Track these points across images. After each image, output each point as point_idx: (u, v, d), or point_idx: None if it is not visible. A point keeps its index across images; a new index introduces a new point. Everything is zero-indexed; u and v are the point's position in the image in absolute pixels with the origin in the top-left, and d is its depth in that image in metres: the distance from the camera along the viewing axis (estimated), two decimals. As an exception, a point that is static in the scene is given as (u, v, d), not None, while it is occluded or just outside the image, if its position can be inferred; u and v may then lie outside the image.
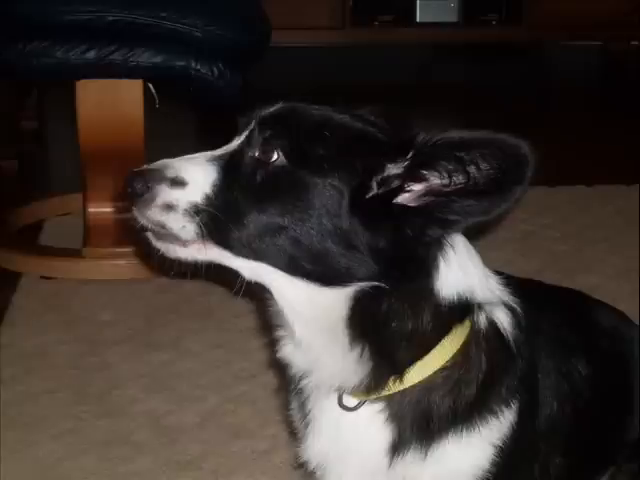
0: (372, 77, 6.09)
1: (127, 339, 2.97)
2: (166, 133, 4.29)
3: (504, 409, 1.62)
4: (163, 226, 1.55)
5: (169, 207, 1.54)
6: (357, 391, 1.59)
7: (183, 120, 5.11)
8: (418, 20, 6.22)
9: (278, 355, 1.67)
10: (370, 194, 1.52)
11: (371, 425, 1.62)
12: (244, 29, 3.23)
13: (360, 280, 1.51)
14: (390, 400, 1.60)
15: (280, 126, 1.55)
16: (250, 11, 3.35)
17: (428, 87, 6.03)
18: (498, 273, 1.71)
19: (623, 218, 3.85)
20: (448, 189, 1.48)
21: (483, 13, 6.28)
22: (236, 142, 1.60)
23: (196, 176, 1.55)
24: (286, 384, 1.79)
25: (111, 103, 3.33)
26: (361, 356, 1.55)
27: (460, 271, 1.58)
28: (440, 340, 1.57)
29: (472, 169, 1.46)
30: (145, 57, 3.14)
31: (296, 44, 6.16)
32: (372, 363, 1.55)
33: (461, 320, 1.59)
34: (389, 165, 1.51)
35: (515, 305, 1.67)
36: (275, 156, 1.52)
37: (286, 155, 1.52)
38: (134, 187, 1.56)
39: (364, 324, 1.54)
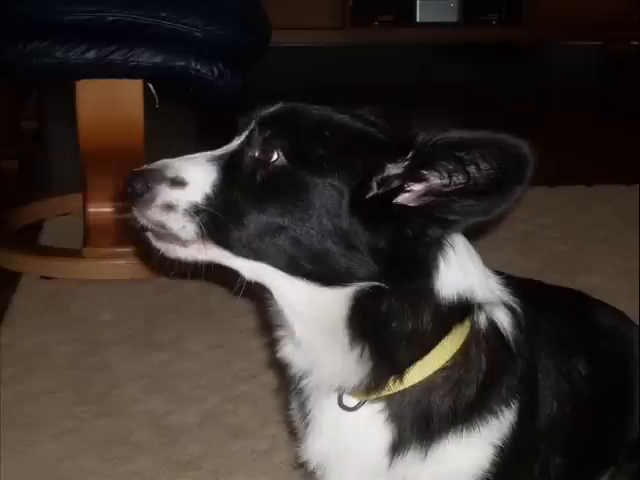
0: (372, 77, 6.09)
1: (127, 339, 2.97)
2: (166, 133, 4.29)
3: (504, 409, 1.62)
4: (163, 226, 1.55)
5: (169, 207, 1.54)
6: (357, 391, 1.59)
7: (183, 120, 5.11)
8: (418, 20, 6.22)
9: (278, 355, 1.67)
10: (370, 194, 1.52)
11: (371, 425, 1.62)
12: (244, 29, 3.23)
13: (360, 280, 1.51)
14: (390, 400, 1.60)
15: (280, 126, 1.55)
16: (250, 11, 3.35)
17: (428, 87, 6.03)
18: (498, 273, 1.71)
19: (623, 218, 3.84)
20: (448, 189, 1.48)
21: (483, 13, 6.28)
22: (236, 142, 1.60)
23: (196, 176, 1.55)
24: (286, 384, 1.79)
25: (111, 103, 3.33)
26: (361, 356, 1.55)
27: (460, 271, 1.58)
28: (440, 340, 1.57)
29: (472, 169, 1.46)
30: (145, 57, 3.14)
31: (296, 44, 6.16)
32: (372, 363, 1.55)
33: (461, 320, 1.59)
34: (389, 165, 1.51)
35: (515, 305, 1.67)
36: (275, 156, 1.53)
37: (286, 155, 1.52)
38: (134, 187, 1.56)
39: (364, 324, 1.54)
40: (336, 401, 1.63)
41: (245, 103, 1.70)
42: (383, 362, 1.56)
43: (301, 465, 1.76)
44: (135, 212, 1.57)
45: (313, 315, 1.56)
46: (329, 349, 1.56)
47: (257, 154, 1.55)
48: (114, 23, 3.10)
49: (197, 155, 1.59)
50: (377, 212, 1.51)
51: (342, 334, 1.54)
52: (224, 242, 1.55)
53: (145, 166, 1.59)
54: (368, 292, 1.52)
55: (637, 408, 1.92)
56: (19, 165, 4.52)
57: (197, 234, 1.54)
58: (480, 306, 1.61)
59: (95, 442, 2.48)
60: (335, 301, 1.53)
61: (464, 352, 1.59)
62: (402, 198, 1.51)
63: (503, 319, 1.65)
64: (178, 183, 1.55)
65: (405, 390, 1.58)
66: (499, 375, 1.62)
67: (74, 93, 3.35)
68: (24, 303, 3.18)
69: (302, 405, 1.72)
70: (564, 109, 5.62)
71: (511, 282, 1.71)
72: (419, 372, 1.57)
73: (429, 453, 1.60)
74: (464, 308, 1.59)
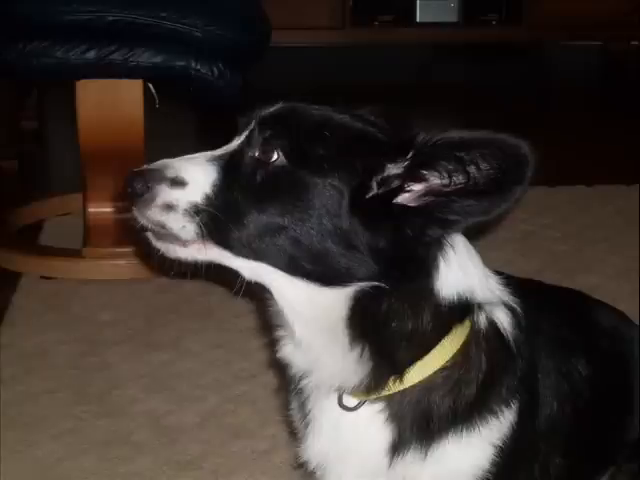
0: (372, 77, 6.09)
1: (127, 339, 2.97)
2: (166, 133, 4.29)
3: (504, 409, 1.62)
4: (163, 226, 1.55)
5: (169, 207, 1.54)
6: (357, 391, 1.59)
7: (183, 120, 5.11)
8: (418, 20, 6.22)
9: (278, 355, 1.67)
10: (370, 194, 1.52)
11: (371, 425, 1.62)
12: (244, 29, 3.23)
13: (360, 280, 1.51)
14: (390, 400, 1.60)
15: (280, 126, 1.55)
16: (250, 11, 3.35)
17: (428, 87, 6.03)
18: (498, 273, 1.71)
19: (623, 218, 3.85)
20: (448, 189, 1.48)
21: (483, 13, 6.28)
22: (236, 142, 1.60)
23: (196, 176, 1.55)
24: (286, 384, 1.79)
25: (111, 103, 3.33)
26: (361, 356, 1.55)
27: (460, 271, 1.58)
28: (440, 340, 1.57)
29: (472, 169, 1.46)
30: (145, 57, 3.14)
31: (296, 44, 6.16)
32: (372, 363, 1.55)
33: (461, 320, 1.59)
34: (389, 165, 1.51)
35: (515, 305, 1.67)
36: (275, 156, 1.53)
37: (286, 155, 1.52)
38: (134, 187, 1.56)
39: (364, 324, 1.54)
40: (336, 401, 1.63)
41: (245, 103, 1.70)
42: (383, 362, 1.56)
43: (301, 465, 1.76)
44: (135, 212, 1.57)
45: (313, 315, 1.56)
46: (329, 349, 1.56)
47: (257, 154, 1.55)
48: (114, 23, 3.10)
49: (197, 155, 1.59)
50: (377, 212, 1.51)
51: (342, 334, 1.54)
52: (224, 242, 1.55)
53: (145, 166, 1.59)
54: (368, 292, 1.52)
55: (637, 408, 1.92)
56: (19, 165, 4.52)
57: (197, 234, 1.54)
58: (480, 306, 1.61)
59: (95, 442, 2.48)
60: (335, 301, 1.53)
61: (464, 352, 1.59)
62: (402, 198, 1.51)
63: (503, 319, 1.65)
64: (178, 183, 1.55)
65: (405, 390, 1.58)
66: (499, 375, 1.62)
67: (74, 93, 3.35)
68: (24, 303, 3.18)
69: (302, 405, 1.72)
70: (564, 109, 5.62)
71: (511, 282, 1.71)
72: (419, 372, 1.57)
73: (429, 453, 1.60)
74: (464, 308, 1.59)
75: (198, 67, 3.15)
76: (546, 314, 1.77)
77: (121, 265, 3.35)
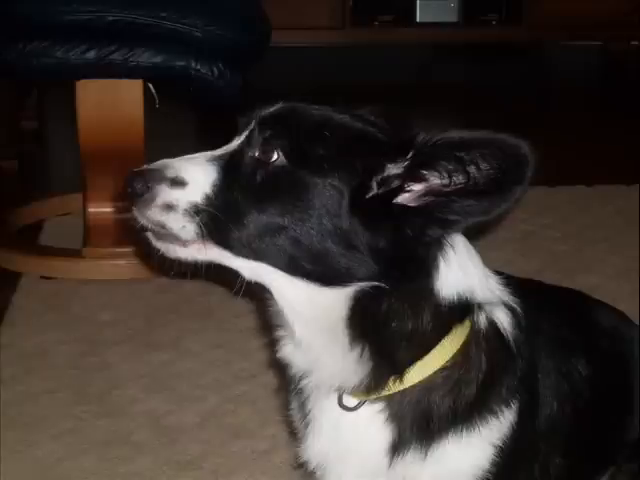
0: (372, 77, 6.09)
1: (127, 339, 2.97)
2: (166, 133, 4.29)
3: (504, 409, 1.62)
4: (163, 226, 1.55)
5: (169, 207, 1.54)
6: (357, 391, 1.59)
7: (183, 120, 5.11)
8: (418, 20, 6.22)
9: (278, 355, 1.67)
10: (370, 194, 1.52)
11: (371, 425, 1.62)
12: (244, 29, 3.23)
13: (360, 280, 1.51)
14: (390, 400, 1.60)
15: (280, 126, 1.55)
16: (250, 11, 3.35)
17: (428, 87, 6.03)
18: (498, 273, 1.71)
19: (623, 218, 3.85)
20: (448, 189, 1.48)
21: (483, 13, 6.28)
22: (236, 142, 1.60)
23: (196, 176, 1.55)
24: (286, 384, 1.79)
25: (111, 103, 3.33)
26: (361, 356, 1.55)
27: (460, 271, 1.58)
28: (440, 340, 1.57)
29: (472, 169, 1.46)
30: (145, 57, 3.14)
31: (296, 44, 6.16)
32: (372, 363, 1.55)
33: (461, 320, 1.59)
34: (389, 165, 1.51)
35: (515, 305, 1.67)
36: (275, 156, 1.53)
37: (286, 155, 1.52)
38: (134, 187, 1.56)
39: (364, 324, 1.54)
40: (336, 401, 1.63)
41: (245, 103, 1.70)
42: (383, 362, 1.56)
43: (301, 465, 1.76)
44: (135, 212, 1.57)
45: (313, 315, 1.56)
46: (329, 349, 1.56)
47: (257, 154, 1.55)
48: (114, 23, 3.10)
49: (197, 155, 1.59)
50: (377, 212, 1.51)
51: (342, 334, 1.54)
52: (224, 242, 1.55)
53: (145, 166, 1.59)
54: (368, 292, 1.52)
55: (637, 408, 1.92)
56: (19, 165, 4.52)
57: (197, 234, 1.54)
58: (480, 306, 1.61)
59: (95, 442, 2.48)
60: (335, 301, 1.53)
61: (464, 352, 1.59)
62: (402, 198, 1.51)
63: (503, 319, 1.65)
64: (178, 183, 1.55)
65: (405, 390, 1.58)
66: (499, 375, 1.62)
67: (74, 93, 3.35)
68: (24, 303, 3.18)
69: (302, 405, 1.72)
70: (564, 109, 5.62)
71: (511, 282, 1.71)
72: (419, 372, 1.57)
73: (429, 453, 1.60)
74: (464, 308, 1.59)
75: (198, 67, 3.15)
76: (546, 314, 1.77)
77: (121, 265, 3.35)
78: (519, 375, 1.64)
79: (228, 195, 1.54)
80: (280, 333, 1.65)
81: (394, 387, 1.58)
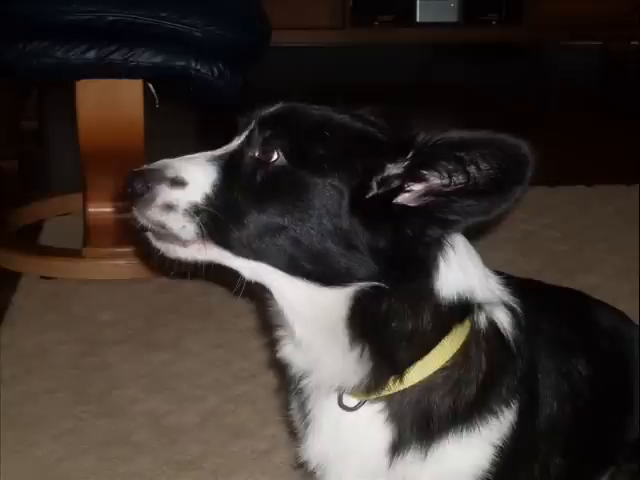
0: (372, 77, 6.09)
1: (127, 339, 2.97)
2: (166, 133, 4.29)
3: (504, 409, 1.62)
4: (163, 226, 1.55)
5: (169, 207, 1.54)
6: (357, 391, 1.59)
7: (183, 120, 5.11)
8: (418, 20, 6.23)
9: (278, 355, 1.67)
10: (370, 194, 1.52)
11: (371, 425, 1.62)
12: (244, 29, 3.23)
13: (360, 280, 1.51)
14: (390, 400, 1.60)
15: (280, 126, 1.55)
16: (250, 11, 3.35)
17: (428, 87, 6.03)
18: (498, 273, 1.71)
19: (623, 218, 3.85)
20: (448, 189, 1.48)
21: (483, 13, 6.28)
22: (236, 142, 1.60)
23: (196, 176, 1.55)
24: (286, 384, 1.79)
25: (111, 103, 3.33)
26: (361, 356, 1.55)
27: (460, 271, 1.58)
28: (440, 340, 1.57)
29: (472, 169, 1.46)
30: (145, 57, 3.14)
31: (296, 44, 6.16)
32: (372, 363, 1.55)
33: (461, 320, 1.59)
34: (389, 165, 1.51)
35: (515, 305, 1.67)
36: (275, 156, 1.53)
37: (286, 155, 1.52)
38: (134, 187, 1.56)
39: (364, 324, 1.54)
40: (336, 401, 1.63)
41: (245, 103, 1.70)
42: (383, 362, 1.56)
43: (301, 465, 1.76)
44: (135, 212, 1.57)
45: (313, 315, 1.56)
46: (329, 349, 1.56)
47: (257, 154, 1.55)
48: (114, 23, 3.10)
49: (197, 155, 1.59)
50: (377, 212, 1.51)
51: (342, 334, 1.54)
52: (224, 242, 1.55)
53: (145, 166, 1.59)
54: (368, 292, 1.52)
55: (637, 408, 1.92)
56: (19, 165, 4.52)
57: (197, 234, 1.54)
58: (480, 306, 1.61)
59: (95, 442, 2.48)
60: (335, 301, 1.53)
61: (464, 352, 1.59)
62: (402, 198, 1.51)
63: (503, 319, 1.65)
64: (178, 183, 1.55)
65: (405, 390, 1.58)
66: (499, 375, 1.62)
67: (74, 93, 3.35)
68: (24, 303, 3.18)
69: (302, 405, 1.72)
70: (564, 109, 5.62)
71: (511, 282, 1.71)
72: (419, 372, 1.57)
73: (429, 453, 1.60)
74: (464, 308, 1.59)
75: (198, 67, 3.15)
76: (546, 314, 1.77)
77: (121, 265, 3.35)
78: (519, 375, 1.64)
79: (228, 195, 1.54)
80: (280, 333, 1.65)
81: (394, 387, 1.58)
